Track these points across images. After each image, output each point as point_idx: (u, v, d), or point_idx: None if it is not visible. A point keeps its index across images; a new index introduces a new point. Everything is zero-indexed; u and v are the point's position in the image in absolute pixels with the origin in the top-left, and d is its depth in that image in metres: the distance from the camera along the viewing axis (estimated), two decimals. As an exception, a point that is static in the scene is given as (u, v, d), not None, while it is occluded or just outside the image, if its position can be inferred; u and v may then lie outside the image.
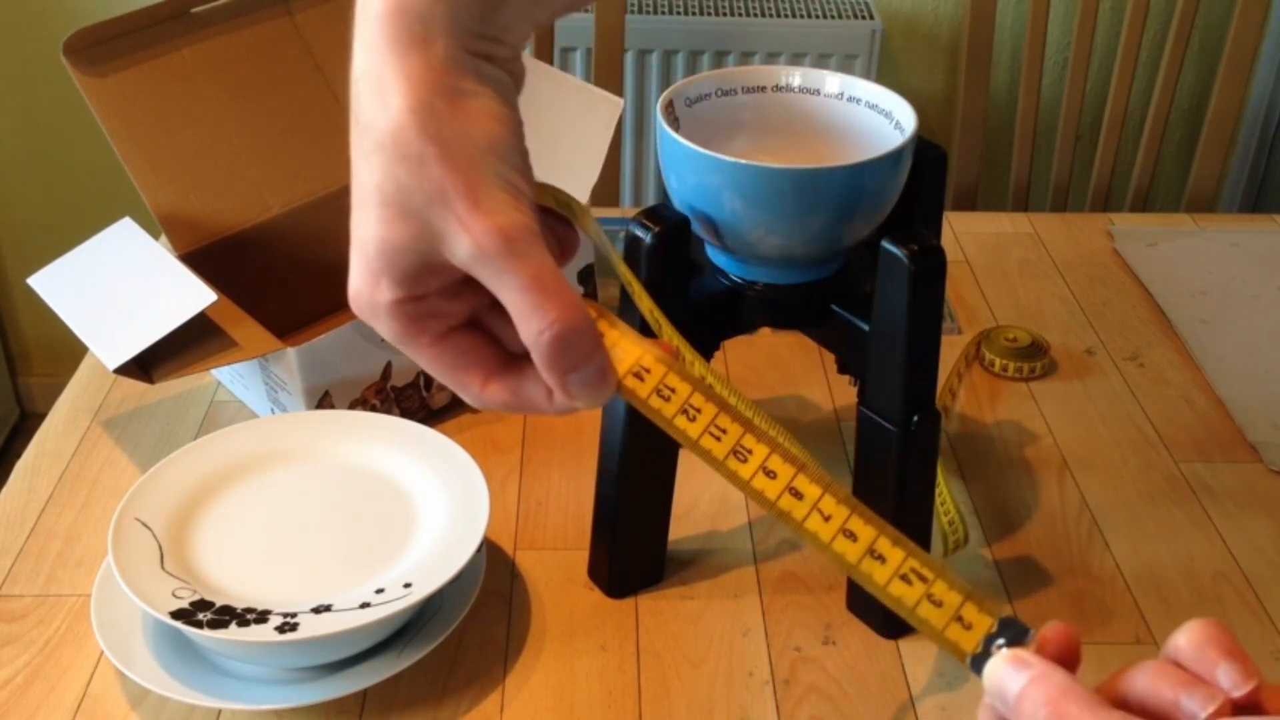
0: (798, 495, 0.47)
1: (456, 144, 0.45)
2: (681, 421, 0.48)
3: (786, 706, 0.67)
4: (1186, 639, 0.40)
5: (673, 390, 0.48)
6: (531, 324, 0.45)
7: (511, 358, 0.49)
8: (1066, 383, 0.94)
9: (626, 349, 0.48)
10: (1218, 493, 0.83)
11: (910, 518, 0.69)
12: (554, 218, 0.50)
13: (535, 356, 0.46)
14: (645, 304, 0.54)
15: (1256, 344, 0.98)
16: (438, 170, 0.44)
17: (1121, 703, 0.40)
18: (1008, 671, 0.40)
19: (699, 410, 0.48)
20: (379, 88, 0.45)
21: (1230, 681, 0.38)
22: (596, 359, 0.47)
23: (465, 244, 0.44)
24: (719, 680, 0.69)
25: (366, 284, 0.46)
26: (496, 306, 0.48)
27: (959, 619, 0.44)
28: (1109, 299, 1.04)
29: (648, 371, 0.48)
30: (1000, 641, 0.43)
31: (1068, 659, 0.41)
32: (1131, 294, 1.05)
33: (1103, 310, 1.02)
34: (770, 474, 0.47)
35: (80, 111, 1.12)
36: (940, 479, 0.76)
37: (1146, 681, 0.40)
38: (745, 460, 0.47)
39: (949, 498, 0.76)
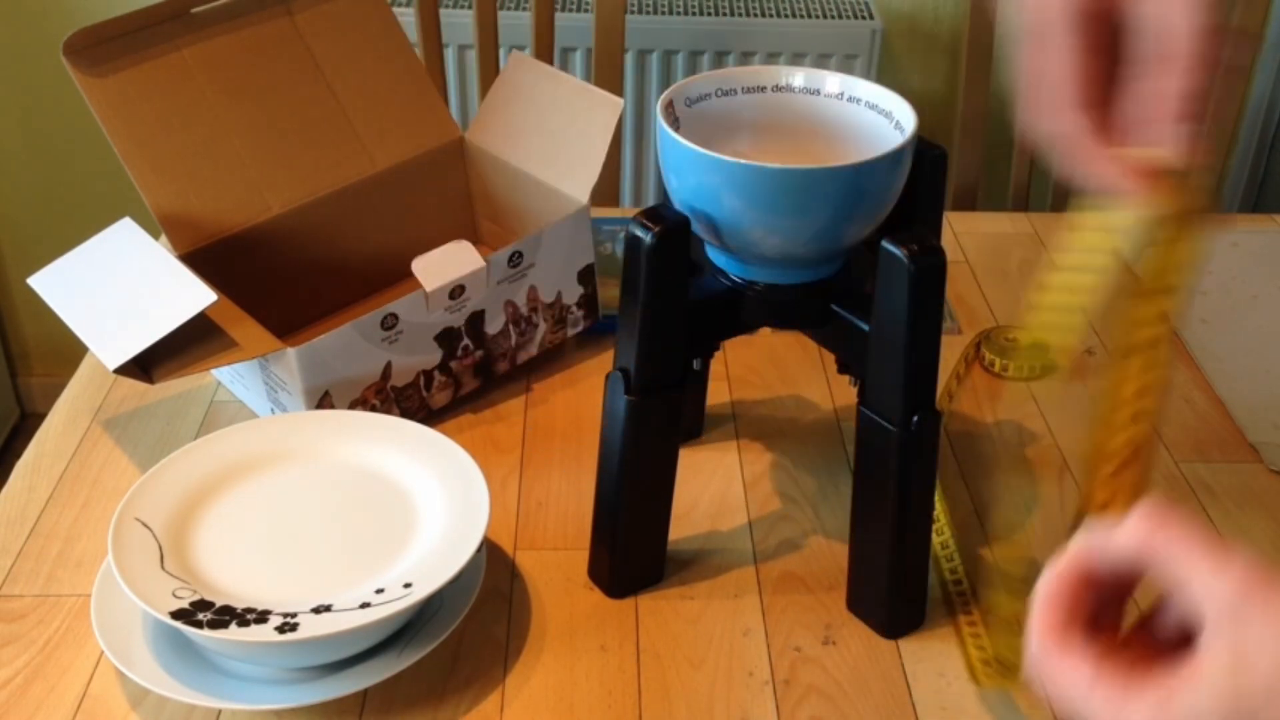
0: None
1: None
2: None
3: (786, 706, 0.67)
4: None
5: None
6: None
7: None
8: (1066, 383, 0.94)
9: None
10: (1218, 493, 0.83)
11: (910, 518, 0.69)
12: None
13: None
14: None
15: (1256, 344, 0.98)
16: None
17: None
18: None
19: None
20: None
21: None
22: None
23: None
24: (719, 680, 0.69)
25: None
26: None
27: None
28: (1109, 299, 1.04)
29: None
30: None
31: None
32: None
33: (1103, 310, 1.02)
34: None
35: (80, 111, 1.12)
36: (939, 506, 0.76)
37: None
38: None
39: (950, 538, 0.76)
